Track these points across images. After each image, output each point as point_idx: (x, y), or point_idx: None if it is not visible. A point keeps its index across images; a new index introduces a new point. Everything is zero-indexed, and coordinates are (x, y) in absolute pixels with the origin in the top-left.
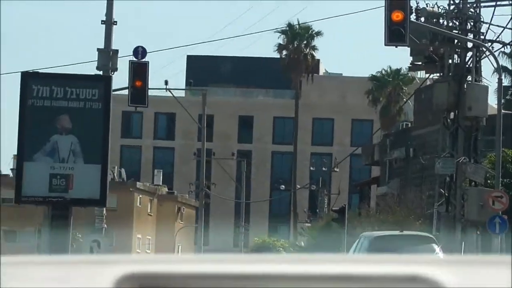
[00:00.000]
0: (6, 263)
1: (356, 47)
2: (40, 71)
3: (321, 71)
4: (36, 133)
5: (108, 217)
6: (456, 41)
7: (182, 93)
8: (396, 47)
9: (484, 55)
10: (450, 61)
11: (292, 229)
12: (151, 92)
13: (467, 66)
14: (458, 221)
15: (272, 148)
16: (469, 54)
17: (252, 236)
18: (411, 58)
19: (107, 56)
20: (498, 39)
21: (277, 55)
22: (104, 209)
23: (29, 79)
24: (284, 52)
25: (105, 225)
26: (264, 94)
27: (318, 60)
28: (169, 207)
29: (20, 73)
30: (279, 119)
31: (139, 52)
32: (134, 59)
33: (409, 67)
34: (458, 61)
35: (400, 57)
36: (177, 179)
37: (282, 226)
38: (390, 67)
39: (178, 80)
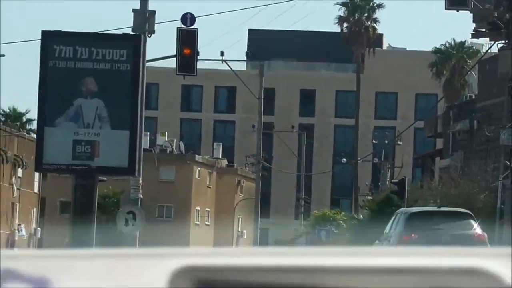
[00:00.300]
0: (53, 256)
1: (420, 19)
2: None
3: (385, 45)
4: (58, 96)
5: (166, 189)
6: None
7: (243, 67)
8: (458, 11)
9: None
10: None
11: (354, 202)
12: (210, 66)
13: None
14: None
15: (334, 121)
16: None
17: (314, 209)
18: (474, 25)
19: (143, 18)
20: None
21: (338, 29)
22: (140, 178)
23: (50, 38)
24: (345, 25)
25: (141, 196)
26: (326, 68)
27: (381, 34)
28: (229, 180)
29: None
30: (341, 92)
31: (188, 18)
32: (183, 26)
33: (472, 34)
34: None
35: (464, 31)
36: (238, 152)
37: (344, 200)
38: (454, 40)
39: (232, 51)
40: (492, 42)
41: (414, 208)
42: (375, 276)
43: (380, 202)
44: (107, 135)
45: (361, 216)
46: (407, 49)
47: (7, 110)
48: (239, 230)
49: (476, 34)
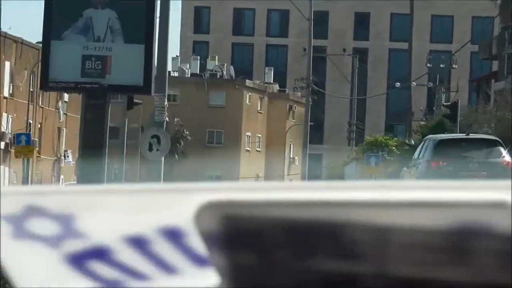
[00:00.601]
0: (78, 192)
1: None
2: None
3: None
4: (65, 6)
5: (216, 114)
6: None
7: None
8: None
9: None
10: None
11: (407, 128)
12: None
13: None
14: None
15: (389, 45)
16: None
17: (368, 135)
18: None
19: None
20: None
21: None
22: (166, 99)
23: None
24: None
25: (167, 118)
26: None
27: None
28: (280, 105)
29: None
30: (396, 15)
31: None
32: None
33: None
34: None
35: None
36: (290, 77)
37: (399, 125)
38: None
39: None
40: None
41: (443, 135)
42: (401, 210)
43: (433, 127)
44: (120, 49)
45: (412, 141)
46: None
47: None
48: (291, 156)
49: None
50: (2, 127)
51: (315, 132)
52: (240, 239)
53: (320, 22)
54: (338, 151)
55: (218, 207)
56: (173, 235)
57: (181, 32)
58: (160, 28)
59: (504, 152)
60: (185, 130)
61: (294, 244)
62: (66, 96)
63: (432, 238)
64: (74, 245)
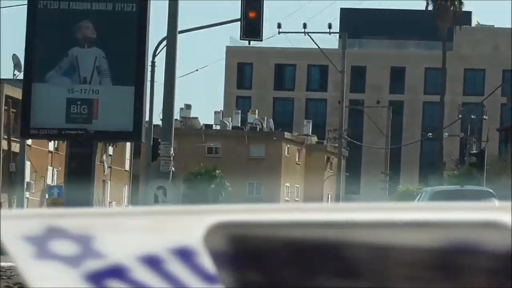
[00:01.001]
0: (96, 214)
1: None
2: None
3: (473, 23)
4: (49, 45)
5: (255, 165)
6: None
7: (335, 45)
8: None
9: None
10: None
11: (440, 179)
12: (304, 45)
13: None
14: None
15: (423, 98)
16: None
17: (402, 185)
18: None
19: None
20: None
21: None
22: (172, 148)
23: None
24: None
25: (173, 169)
26: (415, 46)
27: (470, 12)
28: (318, 156)
29: None
30: (430, 70)
31: None
32: None
33: None
34: None
35: None
36: (328, 129)
37: (433, 176)
38: None
39: (314, 23)
40: None
41: (438, 187)
42: (396, 230)
43: (460, 176)
44: (107, 92)
45: None
46: (495, 26)
47: None
48: None
49: None
50: (47, 181)
51: (352, 183)
52: (247, 258)
53: (358, 76)
54: (374, 201)
55: (227, 228)
56: (185, 255)
57: (224, 87)
58: (167, 68)
59: (497, 203)
60: (226, 182)
61: (301, 263)
62: (110, 150)
63: (428, 257)
64: (93, 264)
